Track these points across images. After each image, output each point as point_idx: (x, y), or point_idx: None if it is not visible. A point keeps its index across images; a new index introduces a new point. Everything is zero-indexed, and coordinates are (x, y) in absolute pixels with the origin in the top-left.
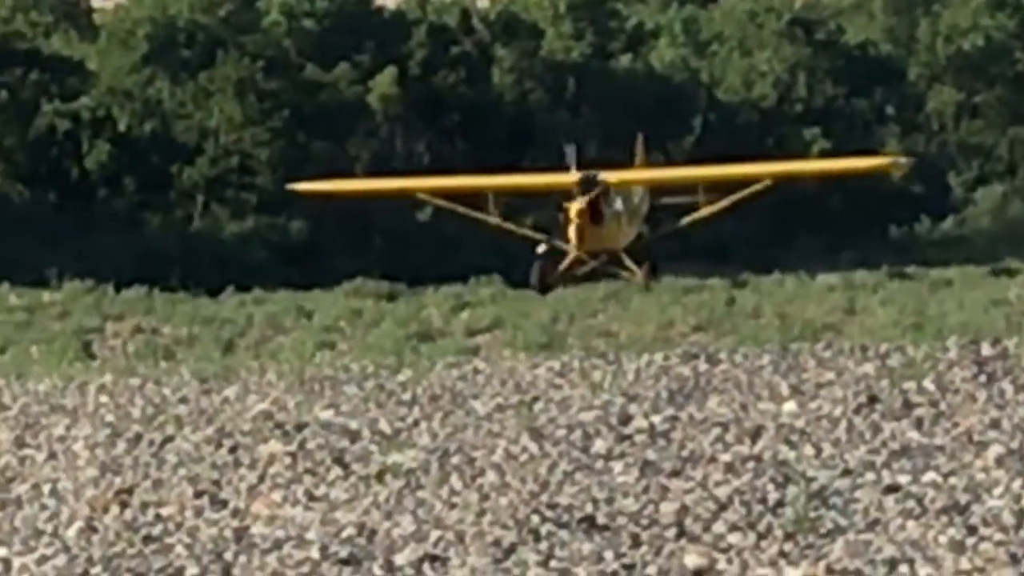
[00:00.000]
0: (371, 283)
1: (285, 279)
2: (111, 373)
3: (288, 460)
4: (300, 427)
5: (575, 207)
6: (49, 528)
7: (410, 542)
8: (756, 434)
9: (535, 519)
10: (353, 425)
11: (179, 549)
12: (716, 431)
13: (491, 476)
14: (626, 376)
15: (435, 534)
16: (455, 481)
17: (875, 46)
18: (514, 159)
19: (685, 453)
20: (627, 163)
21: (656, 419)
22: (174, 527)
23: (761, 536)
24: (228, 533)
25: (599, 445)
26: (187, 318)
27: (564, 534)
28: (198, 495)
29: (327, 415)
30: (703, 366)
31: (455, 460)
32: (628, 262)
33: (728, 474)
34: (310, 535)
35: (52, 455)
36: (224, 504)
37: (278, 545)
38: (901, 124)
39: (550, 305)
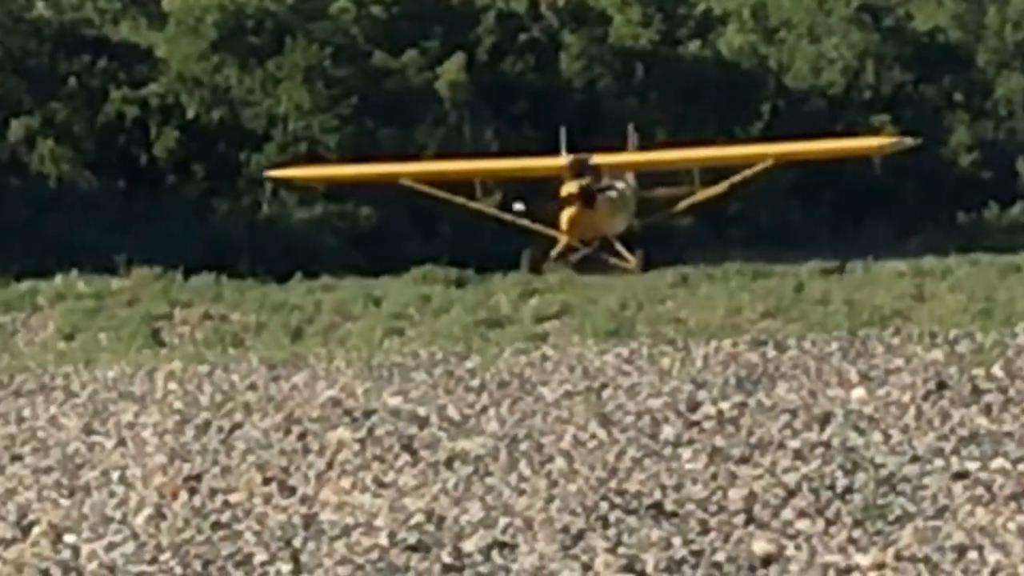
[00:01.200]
0: (439, 269)
1: (353, 266)
2: (180, 360)
3: (356, 447)
4: (368, 414)
5: (565, 191)
6: (118, 515)
7: (478, 529)
8: (824, 421)
9: (603, 506)
10: (421, 412)
11: (248, 536)
12: (784, 417)
13: (559, 462)
14: (694, 363)
15: (503, 521)
16: (523, 467)
17: (943, 33)
18: (582, 145)
19: (753, 440)
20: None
21: (724, 405)
22: (243, 514)
23: (830, 523)
24: (297, 520)
25: (667, 431)
26: (256, 305)
27: (632, 521)
28: (267, 482)
29: (395, 401)
30: (771, 352)
31: (523, 447)
32: (621, 249)
33: (796, 461)
34: (378, 522)
35: (121, 442)
36: (293, 491)
37: (346, 532)
38: (970, 111)
39: (618, 292)
